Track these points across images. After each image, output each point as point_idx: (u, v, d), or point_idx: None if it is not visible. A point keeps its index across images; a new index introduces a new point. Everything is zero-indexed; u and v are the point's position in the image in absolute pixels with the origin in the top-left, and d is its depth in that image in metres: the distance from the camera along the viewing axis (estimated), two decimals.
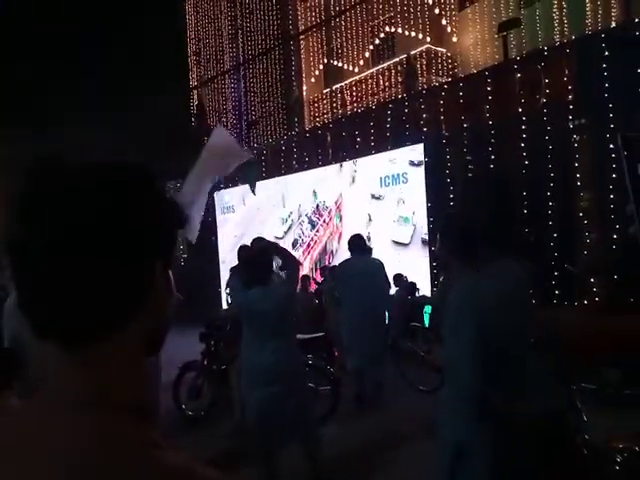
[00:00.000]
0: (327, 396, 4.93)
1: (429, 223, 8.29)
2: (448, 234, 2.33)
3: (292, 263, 3.77)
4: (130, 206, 0.63)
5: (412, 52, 12.92)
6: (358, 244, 5.51)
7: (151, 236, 0.64)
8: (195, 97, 16.77)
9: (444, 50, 13.47)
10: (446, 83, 9.33)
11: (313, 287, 8.09)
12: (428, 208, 8.39)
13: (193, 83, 17.01)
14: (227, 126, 15.81)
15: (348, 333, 5.33)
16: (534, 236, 7.33)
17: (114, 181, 0.64)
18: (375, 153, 9.29)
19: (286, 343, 3.59)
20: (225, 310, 8.70)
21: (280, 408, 3.49)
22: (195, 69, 16.86)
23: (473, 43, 13.07)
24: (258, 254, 4.00)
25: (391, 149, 9.02)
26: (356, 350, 5.29)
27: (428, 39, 13.38)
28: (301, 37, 14.83)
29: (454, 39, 13.39)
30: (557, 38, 11.08)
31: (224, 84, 16.08)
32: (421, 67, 13.13)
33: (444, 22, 13.33)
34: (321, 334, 5.70)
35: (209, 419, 5.24)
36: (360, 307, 5.20)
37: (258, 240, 4.83)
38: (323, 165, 10.16)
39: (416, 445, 4.27)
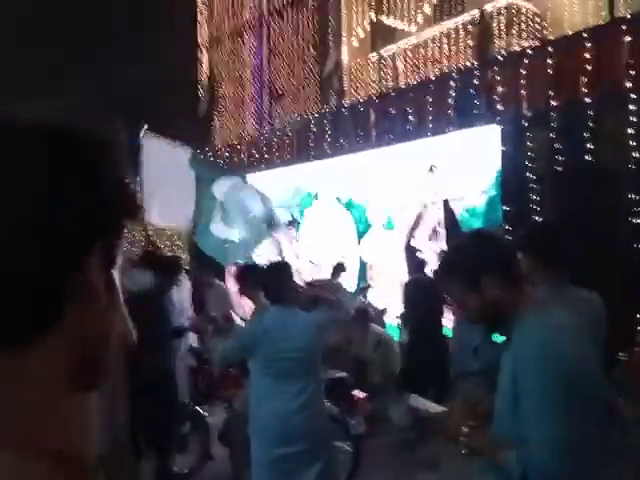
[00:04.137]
0: (346, 456, 4.88)
1: (506, 234, 8.14)
2: (536, 246, 2.26)
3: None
4: (55, 174, 0.61)
5: (486, 6, 12.80)
6: None
7: (79, 218, 0.61)
8: (204, 60, 16.97)
9: (530, 5, 13.32)
10: (531, 47, 9.21)
11: None
12: (504, 213, 8.25)
13: (202, 43, 17.23)
14: (244, 99, 15.95)
15: None
16: None
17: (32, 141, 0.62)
18: (431, 136, 9.24)
19: (312, 387, 3.54)
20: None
21: (300, 475, 3.43)
22: (206, 25, 17.08)
23: None
24: (281, 263, 4.04)
25: (454, 131, 8.95)
26: None
27: None
28: None
29: None
30: None
31: (241, 45, 16.25)
32: (499, 27, 13.00)
33: None
34: (342, 374, 5.67)
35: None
36: None
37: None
38: (363, 150, 10.15)
39: None
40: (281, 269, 3.95)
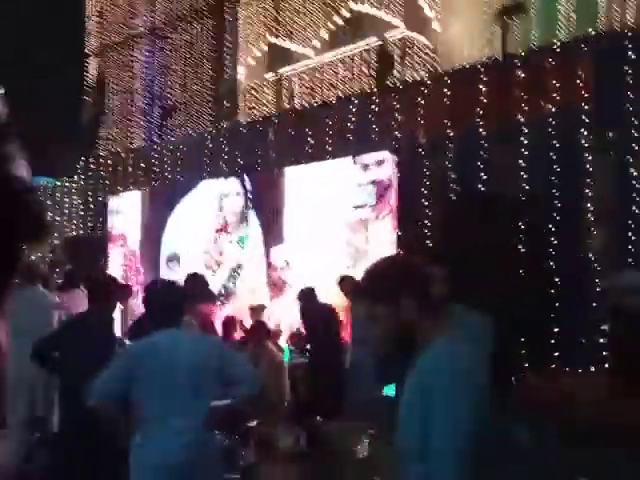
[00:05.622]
0: None
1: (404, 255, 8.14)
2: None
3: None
4: None
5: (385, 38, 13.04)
6: None
7: None
8: (92, 69, 16.21)
9: (423, 39, 13.70)
10: (430, 77, 9.39)
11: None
12: (398, 238, 8.25)
13: (91, 50, 16.44)
14: (134, 111, 15.34)
15: None
16: (529, 283, 7.32)
17: None
18: (331, 159, 9.17)
19: (199, 420, 3.18)
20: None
21: None
22: (96, 34, 16.32)
23: (459, 33, 13.37)
24: (164, 285, 3.73)
25: (354, 156, 8.92)
26: None
27: (402, 24, 13.55)
28: (239, 3, 14.74)
29: (435, 26, 13.65)
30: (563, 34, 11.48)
31: (132, 55, 15.65)
32: (392, 58, 13.27)
33: (423, 3, 13.60)
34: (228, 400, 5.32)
35: None
36: None
37: None
38: (262, 171, 9.93)
39: None
40: (162, 288, 3.62)
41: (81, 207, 13.00)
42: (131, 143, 14.93)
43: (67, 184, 13.26)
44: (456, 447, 1.76)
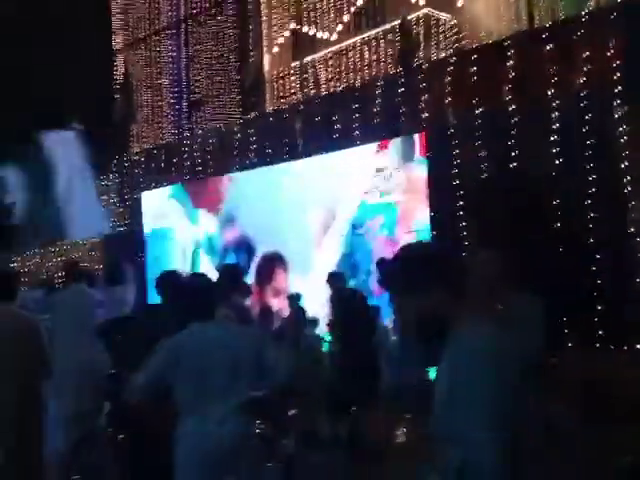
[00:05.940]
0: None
1: (434, 240, 8.07)
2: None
3: None
4: None
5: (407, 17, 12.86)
6: None
7: None
8: (119, 65, 16.36)
9: (447, 16, 13.49)
10: (455, 55, 9.24)
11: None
12: (431, 219, 8.18)
13: (118, 48, 16.59)
14: (162, 106, 15.47)
15: None
16: (569, 260, 7.20)
17: None
18: (359, 144, 9.11)
19: (236, 409, 3.22)
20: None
21: None
22: (121, 32, 16.45)
23: (484, 8, 13.12)
24: (196, 278, 3.73)
25: (382, 140, 8.85)
26: None
27: (424, 2, 13.37)
28: None
29: (459, 3, 13.42)
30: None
31: (159, 50, 15.74)
32: (417, 37, 13.09)
33: None
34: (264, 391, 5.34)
35: None
36: None
37: None
38: (291, 159, 9.93)
39: None
40: (194, 281, 3.64)
41: (116, 205, 13.19)
42: (161, 139, 15.07)
43: (102, 183, 13.46)
44: (491, 433, 1.74)
